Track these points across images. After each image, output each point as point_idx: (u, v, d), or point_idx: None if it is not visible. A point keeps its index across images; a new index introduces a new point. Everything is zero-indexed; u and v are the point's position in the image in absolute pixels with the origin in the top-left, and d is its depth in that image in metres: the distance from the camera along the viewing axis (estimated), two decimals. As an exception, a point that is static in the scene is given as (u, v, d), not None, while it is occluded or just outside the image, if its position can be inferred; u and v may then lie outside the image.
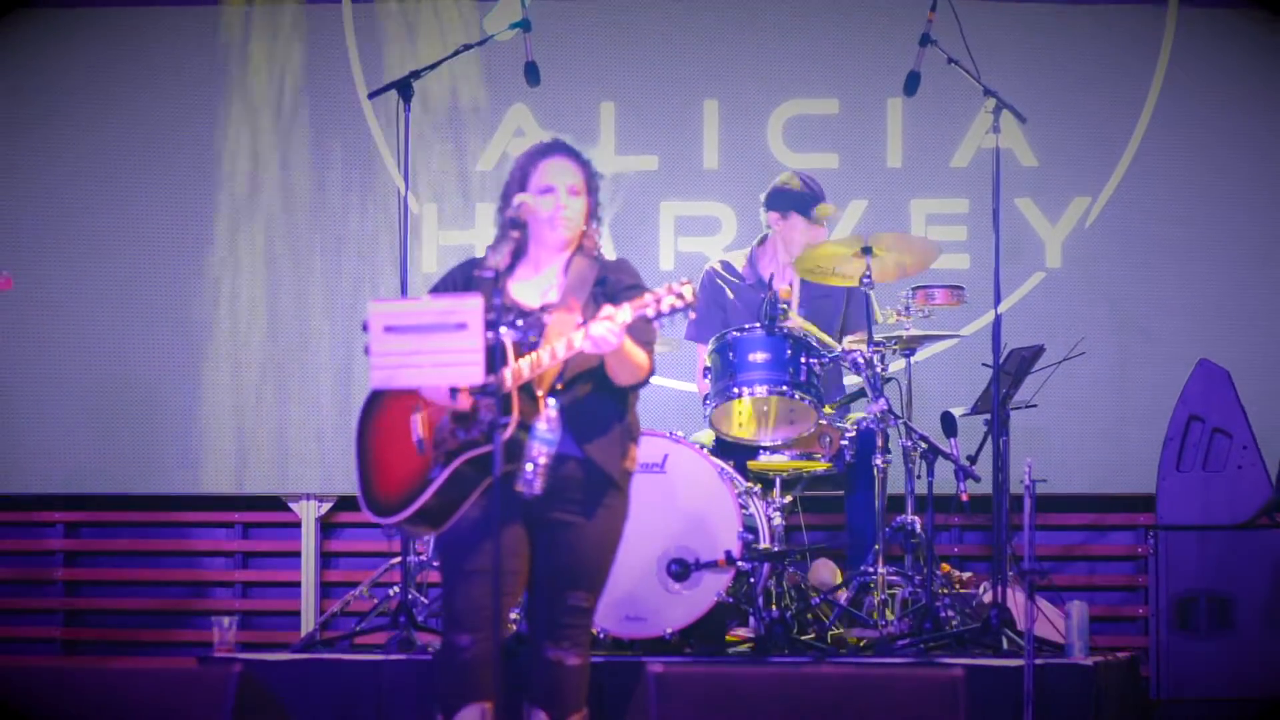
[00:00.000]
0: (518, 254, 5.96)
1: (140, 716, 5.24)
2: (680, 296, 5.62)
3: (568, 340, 5.68)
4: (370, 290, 8.90)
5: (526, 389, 5.71)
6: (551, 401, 5.75)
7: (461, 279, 5.96)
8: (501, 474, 5.51)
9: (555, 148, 5.97)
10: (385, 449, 5.93)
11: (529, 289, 5.91)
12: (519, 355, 5.70)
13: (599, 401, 5.85)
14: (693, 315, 5.68)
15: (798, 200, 7.88)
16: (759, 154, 8.95)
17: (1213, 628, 7.56)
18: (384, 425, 5.95)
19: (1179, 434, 7.81)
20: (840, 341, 7.58)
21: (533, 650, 5.92)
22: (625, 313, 5.62)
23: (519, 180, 5.96)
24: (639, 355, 5.80)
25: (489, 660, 5.76)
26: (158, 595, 9.30)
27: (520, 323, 5.80)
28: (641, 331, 5.76)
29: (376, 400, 6.00)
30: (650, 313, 5.61)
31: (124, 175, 9.22)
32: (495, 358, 5.52)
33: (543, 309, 5.84)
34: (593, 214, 6.01)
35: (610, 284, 5.86)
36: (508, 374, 5.64)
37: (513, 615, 6.73)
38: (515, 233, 5.82)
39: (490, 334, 5.47)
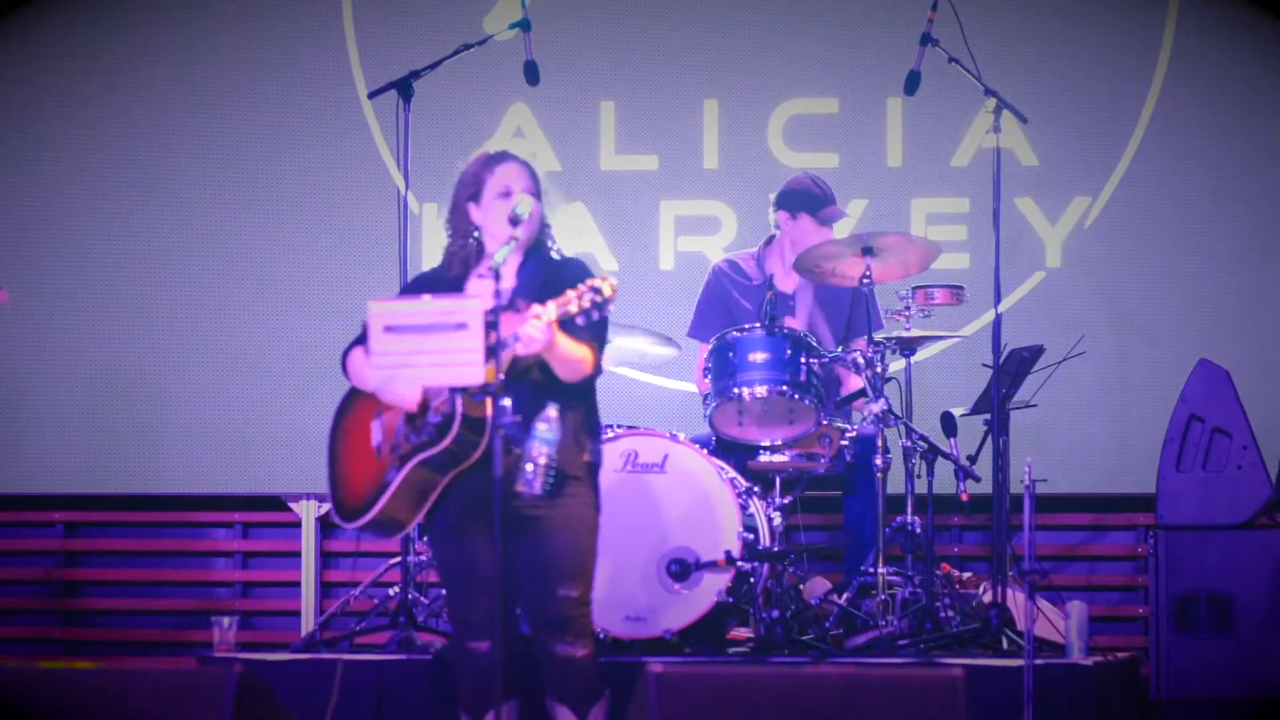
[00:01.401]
0: (474, 259, 6.05)
1: (140, 716, 5.24)
2: (597, 292, 5.68)
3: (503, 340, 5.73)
4: (369, 290, 8.89)
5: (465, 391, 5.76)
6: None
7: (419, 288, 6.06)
8: (459, 474, 5.69)
9: (506, 155, 6.13)
10: (350, 453, 6.04)
11: (485, 289, 5.93)
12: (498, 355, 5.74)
13: (552, 396, 5.89)
14: (611, 310, 5.73)
15: (809, 201, 7.88)
16: (759, 154, 8.95)
17: (1213, 628, 7.56)
18: (350, 430, 6.06)
19: (1179, 434, 7.81)
20: (846, 344, 7.59)
21: (541, 649, 5.98)
22: (550, 311, 5.70)
23: (471, 187, 6.08)
24: (578, 351, 5.86)
25: (507, 664, 5.82)
26: (158, 595, 9.29)
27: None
28: (585, 329, 5.81)
29: (347, 405, 6.10)
30: (573, 308, 5.68)
31: (122, 175, 9.21)
32: None
33: (494, 310, 5.87)
34: (543, 217, 6.10)
35: (555, 284, 5.90)
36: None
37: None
38: (514, 231, 5.86)
39: None
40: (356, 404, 6.04)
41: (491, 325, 5.39)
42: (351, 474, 6.01)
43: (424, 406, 5.81)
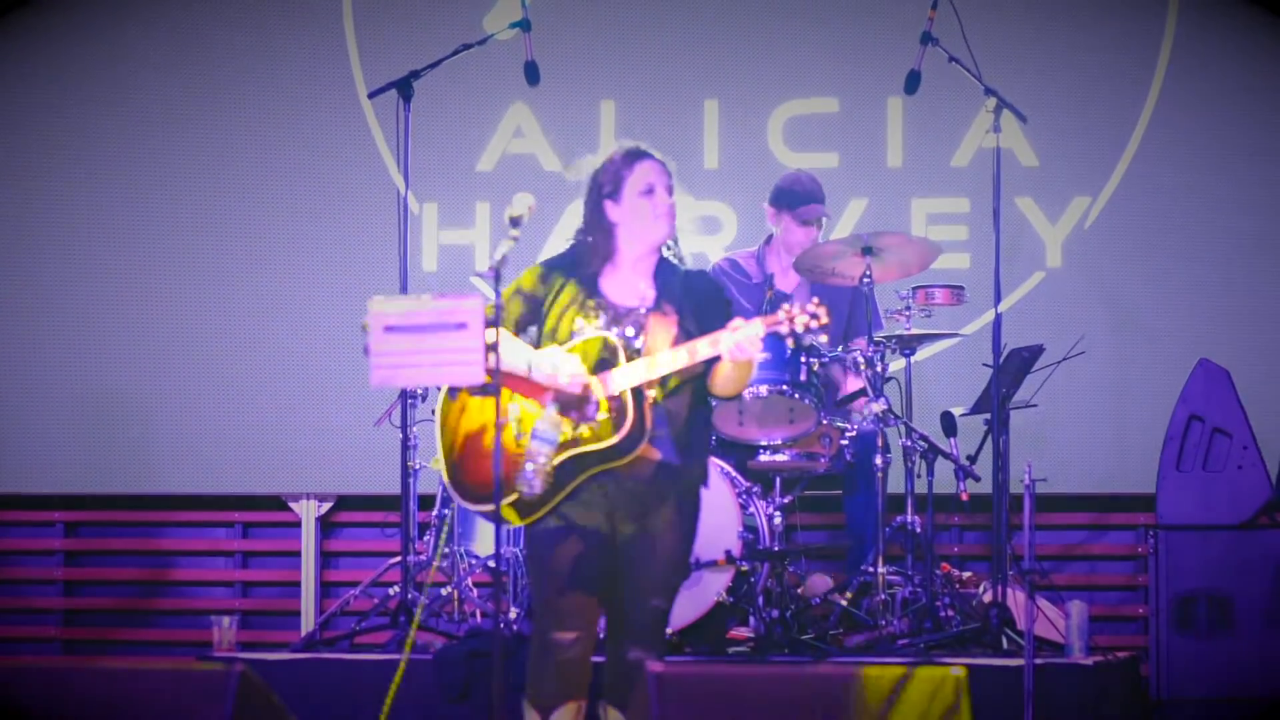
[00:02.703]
0: (606, 256, 5.99)
1: (140, 716, 5.24)
2: (815, 318, 5.70)
3: (695, 346, 5.73)
4: (369, 290, 8.87)
5: (637, 394, 5.76)
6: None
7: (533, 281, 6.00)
8: (599, 472, 5.71)
9: (645, 153, 6.08)
10: (477, 436, 5.91)
11: (621, 289, 5.94)
12: (628, 356, 5.76)
13: (696, 410, 5.91)
14: (824, 339, 5.75)
15: (788, 199, 7.90)
16: (759, 154, 8.95)
17: (1213, 628, 7.56)
18: (475, 411, 5.93)
19: (1179, 434, 7.81)
20: (846, 344, 7.59)
21: (613, 652, 5.93)
22: (757, 327, 5.69)
23: (612, 186, 6.00)
24: (751, 371, 5.89)
25: (586, 659, 5.85)
26: (158, 595, 9.30)
27: (625, 323, 5.85)
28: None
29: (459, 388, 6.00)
30: (784, 330, 5.70)
31: (122, 176, 9.22)
32: (603, 357, 5.72)
33: (639, 309, 5.87)
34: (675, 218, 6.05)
35: (698, 291, 5.92)
36: (621, 373, 5.73)
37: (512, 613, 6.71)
38: (515, 232, 5.82)
39: (606, 332, 5.74)
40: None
41: (491, 324, 5.38)
42: (482, 457, 5.88)
43: (583, 398, 5.78)
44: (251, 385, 9.10)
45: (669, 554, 5.88)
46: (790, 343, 5.75)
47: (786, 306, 5.74)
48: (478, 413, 5.91)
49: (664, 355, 5.75)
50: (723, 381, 5.86)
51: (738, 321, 5.73)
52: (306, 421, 9.05)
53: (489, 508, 5.85)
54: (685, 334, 5.82)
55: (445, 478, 5.95)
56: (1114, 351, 8.74)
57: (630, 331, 5.85)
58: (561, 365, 5.77)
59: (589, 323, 5.86)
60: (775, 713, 5.07)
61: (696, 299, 5.91)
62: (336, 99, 9.12)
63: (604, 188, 6.00)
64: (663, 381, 5.80)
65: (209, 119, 9.19)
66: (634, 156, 6.04)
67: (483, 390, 5.62)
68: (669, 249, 6.01)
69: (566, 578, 5.82)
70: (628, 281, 5.95)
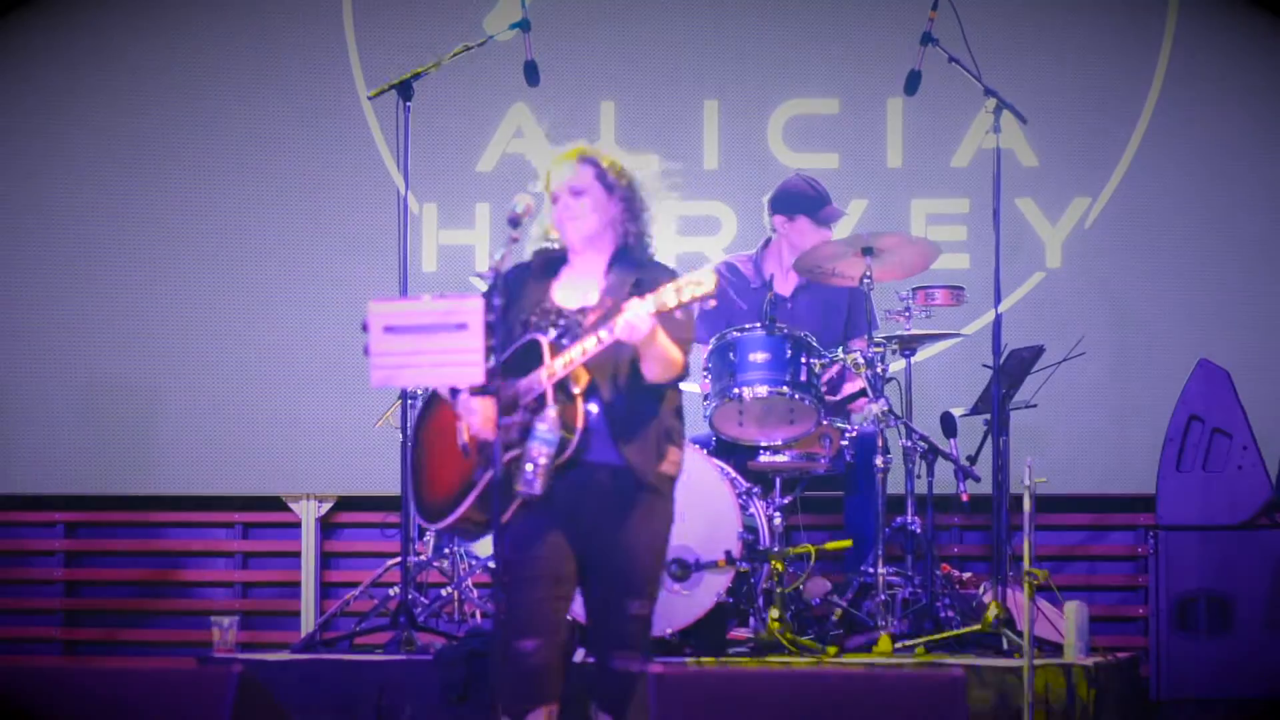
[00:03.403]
0: (561, 258, 5.97)
1: (140, 716, 5.24)
2: (699, 283, 5.61)
3: (597, 335, 5.68)
4: (369, 290, 8.88)
5: (564, 389, 5.72)
6: (590, 405, 5.75)
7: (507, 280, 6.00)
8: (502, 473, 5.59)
9: (567, 150, 6.03)
10: (435, 454, 5.96)
11: (571, 292, 5.91)
12: (555, 355, 5.72)
13: (634, 403, 5.81)
14: (713, 303, 5.67)
15: (806, 203, 7.87)
16: (759, 154, 8.95)
17: (1213, 628, 7.56)
18: (436, 429, 5.96)
19: (1179, 434, 7.81)
20: (843, 344, 7.59)
21: (598, 660, 5.88)
22: (648, 303, 5.62)
23: (545, 185, 6.00)
24: (673, 350, 5.77)
25: (554, 664, 5.78)
26: (158, 595, 9.29)
27: (561, 324, 5.81)
28: (675, 327, 5.76)
29: (431, 405, 6.03)
30: (671, 301, 5.60)
31: (121, 176, 9.22)
32: (530, 359, 5.67)
33: (580, 310, 5.85)
34: (619, 214, 5.98)
35: (646, 283, 5.81)
36: (543, 374, 5.69)
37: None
38: (514, 232, 5.81)
39: (527, 336, 5.69)
40: (443, 404, 5.93)
41: (491, 326, 5.38)
42: (437, 474, 5.94)
43: (513, 404, 5.75)
44: (251, 386, 9.10)
45: (638, 556, 5.80)
46: (679, 315, 5.68)
47: (668, 281, 5.65)
48: (441, 431, 5.92)
49: (576, 349, 5.69)
50: (646, 366, 5.76)
51: (632, 301, 5.65)
52: (307, 422, 9.05)
53: (441, 524, 5.90)
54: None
55: (412, 499, 6.01)
56: (1114, 352, 8.74)
57: (566, 340, 5.76)
58: (473, 408, 5.74)
59: (536, 330, 5.80)
60: (775, 713, 5.07)
61: (646, 287, 5.80)
62: (336, 99, 9.12)
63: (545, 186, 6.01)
64: (594, 375, 5.73)
65: (208, 119, 9.18)
66: (558, 157, 6.02)
67: (482, 390, 5.62)
68: (630, 244, 5.94)
69: (526, 584, 5.76)
70: (577, 283, 5.92)
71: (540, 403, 5.68)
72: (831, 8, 8.98)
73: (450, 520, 5.88)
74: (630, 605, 5.81)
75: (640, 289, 5.77)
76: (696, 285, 5.61)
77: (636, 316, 5.61)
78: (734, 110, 9.00)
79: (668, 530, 5.89)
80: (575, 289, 5.91)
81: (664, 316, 5.65)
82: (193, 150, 9.19)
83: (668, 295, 5.61)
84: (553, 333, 5.79)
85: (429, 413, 6.04)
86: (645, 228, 6.02)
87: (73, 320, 9.19)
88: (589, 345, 5.69)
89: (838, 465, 7.45)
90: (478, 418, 5.75)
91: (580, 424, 5.71)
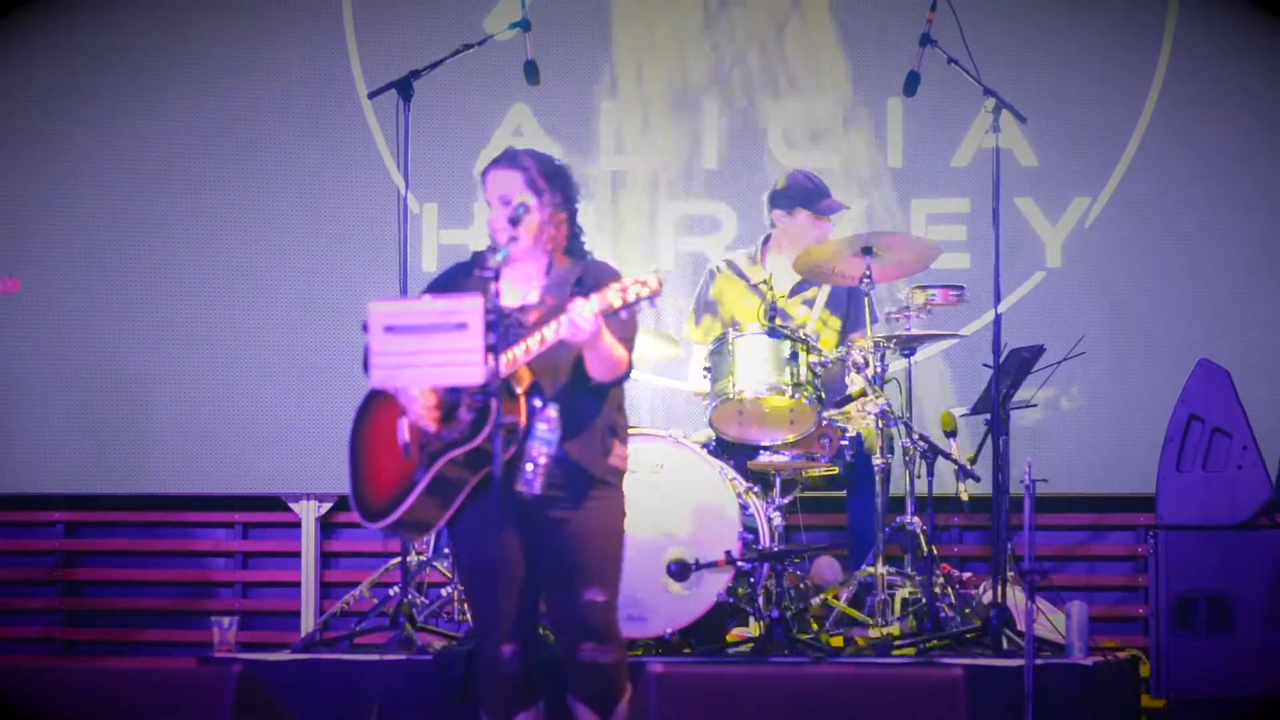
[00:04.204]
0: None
1: (140, 716, 5.24)
2: (644, 284, 5.64)
3: (541, 334, 5.70)
4: (369, 291, 8.89)
5: (506, 388, 5.72)
6: (546, 403, 5.76)
7: (454, 279, 6.01)
8: (489, 474, 5.61)
9: (495, 160, 6.04)
10: (375, 452, 5.97)
11: (512, 291, 5.92)
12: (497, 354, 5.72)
13: (577, 400, 5.85)
14: (657, 305, 5.69)
15: (805, 195, 7.88)
16: (759, 154, 8.95)
17: (1213, 628, 7.55)
18: (375, 428, 5.99)
19: (1179, 434, 7.80)
20: (844, 341, 7.59)
21: (566, 653, 5.91)
22: (593, 303, 5.65)
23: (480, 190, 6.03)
24: (617, 350, 5.82)
25: (529, 669, 5.84)
26: (158, 595, 9.30)
27: (505, 323, 5.80)
28: (619, 326, 5.79)
29: (370, 404, 6.04)
30: (617, 301, 5.63)
31: (121, 175, 9.22)
32: None
33: (521, 309, 5.86)
34: (550, 214, 5.98)
35: (587, 283, 5.86)
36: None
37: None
38: (514, 232, 5.82)
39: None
40: (381, 403, 5.97)
41: (491, 326, 5.38)
42: (377, 473, 5.95)
43: (454, 404, 5.77)
44: (251, 386, 9.10)
45: (580, 545, 5.83)
46: (624, 315, 5.69)
47: (615, 280, 5.67)
48: (381, 430, 5.92)
49: (519, 348, 5.71)
50: (590, 365, 5.80)
51: (578, 301, 5.67)
52: (307, 422, 9.05)
53: (383, 523, 5.89)
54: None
55: (351, 498, 6.01)
56: (1114, 351, 8.73)
57: (510, 338, 5.76)
58: (416, 400, 5.77)
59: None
60: (775, 713, 5.07)
61: (587, 287, 5.84)
62: (336, 99, 9.12)
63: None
64: (538, 374, 5.74)
65: (208, 119, 9.19)
66: (488, 167, 6.03)
67: (482, 391, 5.61)
68: (566, 242, 5.96)
69: (490, 588, 5.80)
70: (518, 282, 5.93)
71: (485, 400, 5.66)
72: (831, 8, 8.98)
73: (390, 520, 5.88)
74: (587, 593, 5.85)
75: (583, 288, 5.81)
76: (642, 286, 5.64)
77: (581, 317, 5.64)
78: (734, 110, 9.00)
79: (620, 520, 5.96)
80: (515, 287, 5.92)
81: (608, 316, 5.68)
82: (193, 151, 9.19)
83: (613, 295, 5.64)
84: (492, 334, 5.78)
85: (368, 409, 6.03)
86: (577, 224, 6.03)
87: (73, 320, 9.19)
88: (532, 344, 5.71)
89: (838, 465, 7.45)
90: (418, 407, 5.75)
91: (524, 421, 5.73)
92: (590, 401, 5.89)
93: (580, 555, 5.86)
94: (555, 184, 6.01)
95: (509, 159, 6.02)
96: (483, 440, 5.72)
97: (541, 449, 5.73)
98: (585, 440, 5.86)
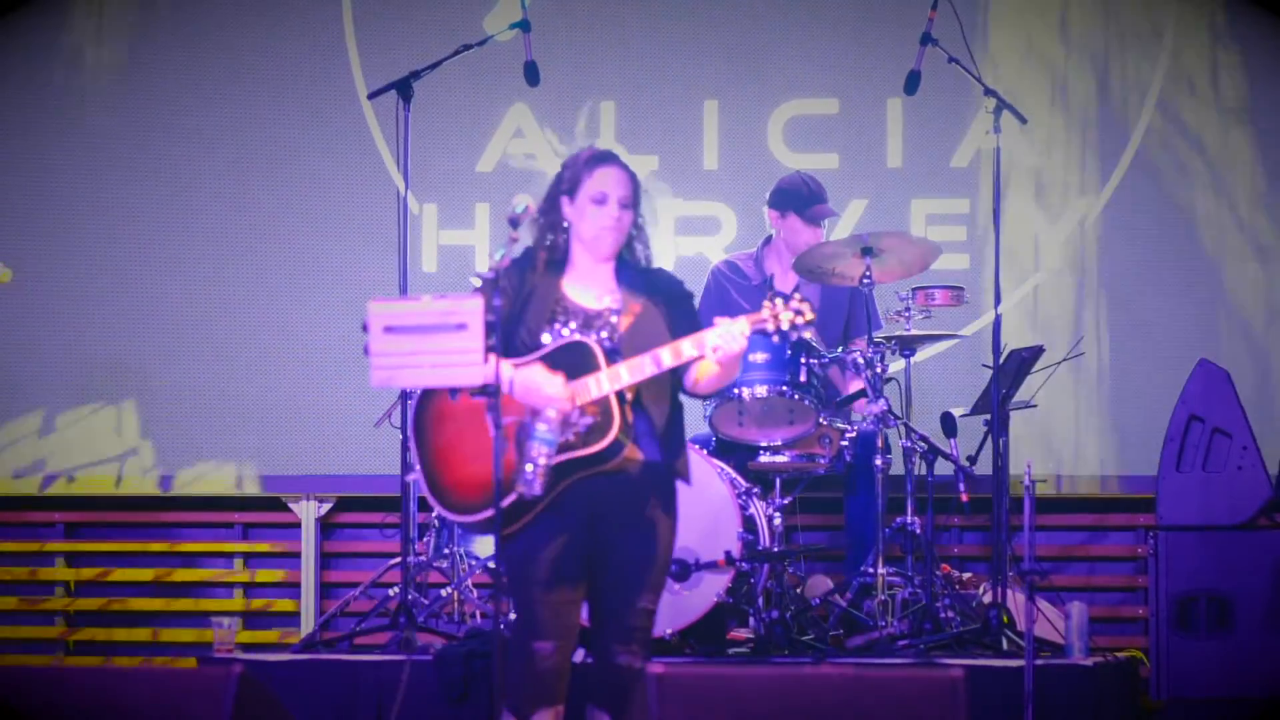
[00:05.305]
0: (562, 257, 5.95)
1: (140, 717, 5.24)
2: (800, 314, 5.67)
3: (675, 348, 5.70)
4: (370, 290, 8.89)
5: (619, 394, 5.74)
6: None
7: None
8: (578, 479, 5.69)
9: (609, 157, 5.96)
10: (457, 445, 5.89)
11: (584, 293, 5.90)
12: (606, 360, 5.73)
13: (673, 409, 5.87)
14: (810, 334, 5.72)
15: (796, 199, 7.89)
16: (759, 154, 8.95)
17: (1213, 628, 7.56)
18: (452, 419, 5.90)
19: (1179, 434, 7.81)
20: (844, 344, 7.59)
21: (600, 656, 5.87)
22: (742, 325, 5.67)
23: (569, 184, 5.92)
24: (736, 370, 5.88)
25: (565, 667, 5.80)
26: (158, 595, 9.29)
27: (597, 326, 5.82)
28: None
29: (432, 395, 5.95)
30: (770, 328, 5.67)
31: (122, 173, 9.22)
32: (576, 359, 5.69)
33: (609, 311, 5.85)
34: (635, 223, 5.98)
35: (664, 290, 5.89)
36: (604, 378, 5.70)
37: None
38: (514, 233, 5.78)
39: (580, 337, 5.71)
40: (449, 400, 5.89)
41: (491, 326, 5.37)
42: (464, 467, 5.84)
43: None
44: (251, 385, 9.09)
45: (657, 553, 5.83)
46: (776, 339, 5.71)
47: (769, 304, 5.69)
48: (456, 421, 5.87)
49: (646, 358, 5.70)
50: (706, 380, 5.83)
51: (723, 320, 5.69)
52: (306, 422, 9.05)
53: (475, 518, 5.84)
54: (665, 332, 5.79)
55: (426, 489, 5.93)
56: (1114, 352, 8.73)
57: (605, 334, 5.79)
58: (543, 385, 5.72)
59: (562, 329, 5.81)
60: (775, 713, 5.07)
61: (664, 296, 5.86)
62: (336, 99, 9.12)
63: (563, 183, 5.94)
64: (642, 387, 5.76)
65: (207, 120, 9.18)
66: (598, 160, 5.93)
67: (482, 391, 5.59)
68: (629, 253, 5.95)
69: (545, 585, 5.77)
70: (590, 284, 5.91)
71: (607, 407, 5.70)
72: (831, 8, 8.98)
73: (484, 515, 5.82)
74: (641, 600, 5.82)
75: (659, 294, 5.84)
76: (797, 315, 5.67)
77: (734, 339, 5.66)
78: (734, 110, 9.00)
79: (675, 529, 5.94)
80: (588, 288, 5.90)
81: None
82: (193, 150, 9.18)
83: (765, 322, 5.67)
84: (590, 334, 5.79)
85: (429, 403, 5.96)
86: (645, 232, 6.03)
87: (73, 320, 9.18)
88: (684, 350, 5.71)
89: (838, 465, 7.45)
90: (547, 390, 5.70)
91: (619, 425, 5.73)
92: (680, 411, 5.92)
93: (653, 562, 5.83)
94: (640, 196, 5.99)
95: (622, 163, 5.96)
96: (604, 448, 5.72)
97: (541, 449, 5.72)
98: (679, 449, 5.87)
